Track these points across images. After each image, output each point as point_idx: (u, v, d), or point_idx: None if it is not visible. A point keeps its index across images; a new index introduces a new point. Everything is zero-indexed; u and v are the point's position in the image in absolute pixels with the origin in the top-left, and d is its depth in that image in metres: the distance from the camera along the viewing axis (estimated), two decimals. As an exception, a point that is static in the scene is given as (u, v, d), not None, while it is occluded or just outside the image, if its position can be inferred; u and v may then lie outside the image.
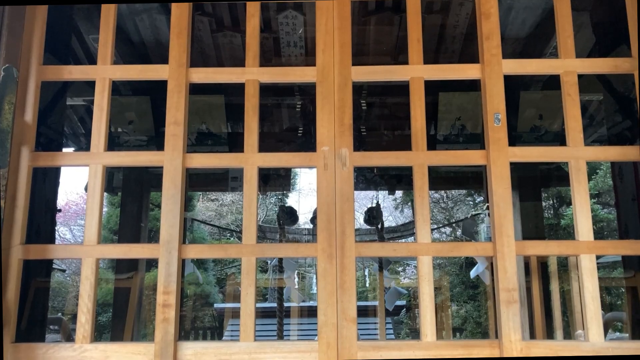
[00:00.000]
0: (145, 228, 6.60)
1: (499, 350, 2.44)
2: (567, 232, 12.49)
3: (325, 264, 2.52)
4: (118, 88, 5.34)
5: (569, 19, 2.78)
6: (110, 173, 6.41)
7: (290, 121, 6.28)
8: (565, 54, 2.75)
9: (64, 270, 13.59)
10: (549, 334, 5.45)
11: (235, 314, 9.85)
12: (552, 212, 13.94)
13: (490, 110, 2.64)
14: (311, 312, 9.30)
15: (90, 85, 2.81)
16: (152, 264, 7.95)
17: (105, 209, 11.65)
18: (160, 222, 2.58)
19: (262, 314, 9.09)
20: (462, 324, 13.66)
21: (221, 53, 5.04)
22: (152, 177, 6.53)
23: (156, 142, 5.36)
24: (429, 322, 2.49)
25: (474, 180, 7.21)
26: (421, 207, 2.61)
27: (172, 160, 2.62)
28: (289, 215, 7.07)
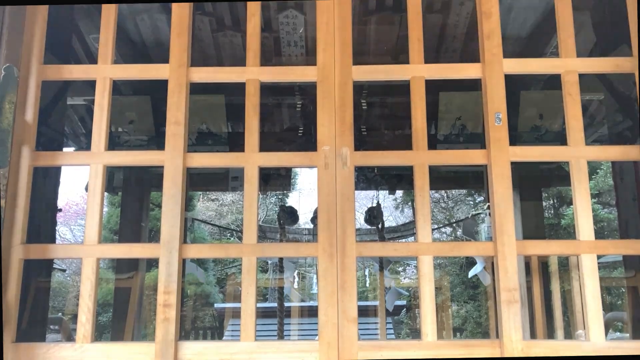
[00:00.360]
0: (145, 228, 6.59)
1: (499, 350, 2.44)
2: (567, 232, 12.49)
3: (326, 264, 2.52)
4: (118, 88, 5.34)
5: (570, 18, 2.78)
6: (111, 173, 6.40)
7: (290, 121, 6.27)
8: (566, 53, 2.75)
9: (64, 270, 13.59)
10: (550, 334, 5.45)
11: (236, 314, 9.84)
12: (552, 212, 13.93)
13: (491, 109, 2.64)
14: (311, 312, 9.29)
15: (90, 85, 2.81)
16: (152, 263, 7.94)
17: (105, 209, 11.64)
18: (161, 221, 2.58)
19: (262, 314, 9.09)
20: (462, 324, 13.66)
21: (222, 53, 5.04)
22: (152, 177, 6.52)
23: (157, 141, 5.36)
24: (430, 322, 2.48)
25: (474, 180, 7.20)
26: (422, 207, 2.61)
27: (172, 159, 2.62)
28: (290, 215, 7.05)
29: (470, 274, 6.32)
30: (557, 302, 5.55)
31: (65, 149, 5.28)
